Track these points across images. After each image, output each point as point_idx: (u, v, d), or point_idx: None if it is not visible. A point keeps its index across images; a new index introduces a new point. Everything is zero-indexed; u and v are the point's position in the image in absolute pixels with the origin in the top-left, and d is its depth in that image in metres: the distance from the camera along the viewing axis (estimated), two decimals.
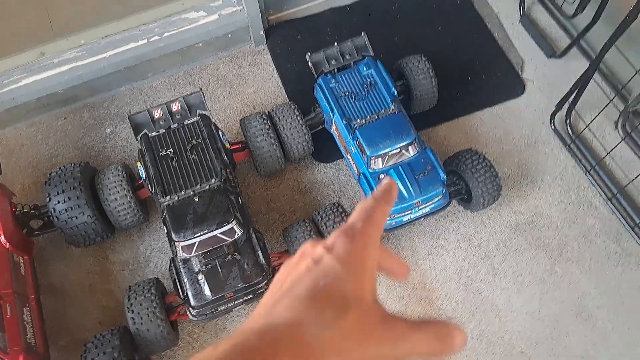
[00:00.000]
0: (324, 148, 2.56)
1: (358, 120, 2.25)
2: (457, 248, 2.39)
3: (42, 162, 2.56)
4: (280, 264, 2.18)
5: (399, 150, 2.18)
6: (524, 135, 2.65)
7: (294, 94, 2.75)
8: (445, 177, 2.19)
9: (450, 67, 2.77)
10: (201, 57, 2.81)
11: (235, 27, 2.71)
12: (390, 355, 0.43)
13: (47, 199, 2.15)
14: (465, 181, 2.30)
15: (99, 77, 2.59)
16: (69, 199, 2.14)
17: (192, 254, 2.01)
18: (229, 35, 2.76)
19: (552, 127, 2.65)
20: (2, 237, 2.01)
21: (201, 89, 2.30)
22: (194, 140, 2.21)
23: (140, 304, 1.99)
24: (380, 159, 2.17)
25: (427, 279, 2.33)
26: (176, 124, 2.26)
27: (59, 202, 2.14)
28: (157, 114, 2.26)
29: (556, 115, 2.64)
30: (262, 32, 2.81)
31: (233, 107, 2.73)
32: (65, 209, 2.14)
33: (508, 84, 2.80)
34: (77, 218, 2.15)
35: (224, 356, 0.36)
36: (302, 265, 0.43)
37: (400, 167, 2.18)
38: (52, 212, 2.14)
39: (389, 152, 2.17)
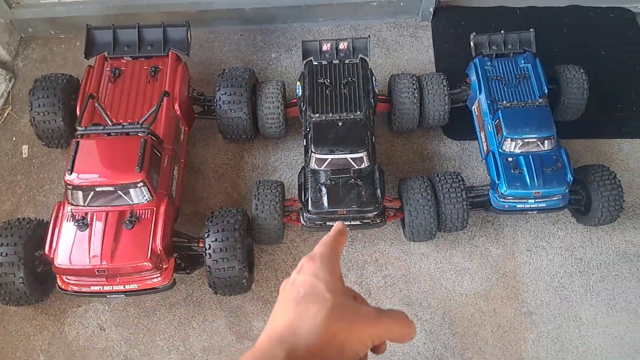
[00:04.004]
0: (456, 125, 2.69)
1: (503, 102, 2.37)
2: (558, 255, 2.42)
3: (212, 65, 2.95)
4: (388, 206, 2.36)
5: (535, 140, 2.27)
6: None
7: (442, 73, 2.90)
8: (572, 179, 2.24)
9: (602, 89, 2.77)
10: (370, 17, 3.06)
11: None
12: (369, 335, 0.60)
13: (217, 88, 2.50)
14: (588, 193, 2.33)
15: (280, 7, 2.93)
16: (234, 93, 2.48)
17: (322, 168, 2.26)
18: (401, 4, 2.98)
19: None
20: (177, 104, 2.38)
21: (369, 37, 2.54)
22: (349, 78, 2.45)
23: (266, 196, 2.27)
24: (514, 143, 2.27)
25: (520, 271, 2.39)
26: (338, 60, 2.52)
27: (225, 93, 2.48)
28: (325, 46, 2.54)
29: None
30: (431, 9, 3.00)
31: (384, 67, 2.94)
32: (229, 101, 2.48)
33: None
34: (235, 112, 2.48)
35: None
36: (286, 288, 0.65)
37: (530, 156, 2.27)
38: (217, 100, 2.49)
39: (525, 138, 2.26)
